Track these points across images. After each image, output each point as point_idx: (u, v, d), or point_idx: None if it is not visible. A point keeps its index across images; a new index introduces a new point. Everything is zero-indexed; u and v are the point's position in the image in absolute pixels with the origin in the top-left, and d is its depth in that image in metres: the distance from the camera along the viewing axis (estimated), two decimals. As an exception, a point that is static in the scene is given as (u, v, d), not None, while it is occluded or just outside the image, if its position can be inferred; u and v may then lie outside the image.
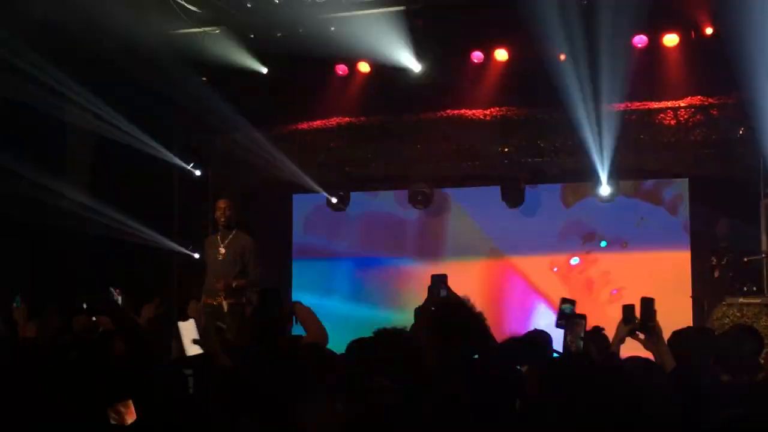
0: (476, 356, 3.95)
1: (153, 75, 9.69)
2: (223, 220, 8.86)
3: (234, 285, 8.65)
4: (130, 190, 10.26)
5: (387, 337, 3.89)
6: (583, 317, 4.98)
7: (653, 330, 4.52)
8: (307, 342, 4.87)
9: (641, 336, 4.64)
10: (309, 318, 5.21)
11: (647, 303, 4.64)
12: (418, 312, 5.56)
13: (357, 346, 4.79)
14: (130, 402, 3.70)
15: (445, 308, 4.20)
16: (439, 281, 5.80)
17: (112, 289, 5.94)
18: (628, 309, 4.73)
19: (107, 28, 9.30)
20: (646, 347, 4.72)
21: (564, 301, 5.22)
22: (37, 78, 9.27)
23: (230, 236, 8.83)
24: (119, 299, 5.85)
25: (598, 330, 5.00)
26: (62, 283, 9.34)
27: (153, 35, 9.62)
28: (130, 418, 3.69)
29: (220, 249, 8.82)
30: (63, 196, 9.92)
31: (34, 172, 9.18)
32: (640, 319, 4.61)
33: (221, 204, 8.96)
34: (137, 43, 9.53)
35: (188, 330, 5.64)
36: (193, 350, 5.59)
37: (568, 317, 5.17)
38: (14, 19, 9.12)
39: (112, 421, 3.68)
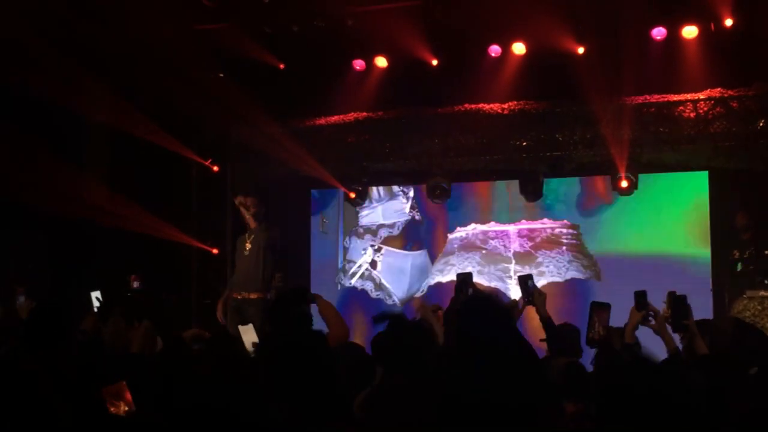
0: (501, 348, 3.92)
1: (171, 70, 9.70)
2: (248, 216, 8.91)
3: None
4: (149, 185, 10.30)
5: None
6: (608, 306, 5.01)
7: (689, 328, 4.56)
8: (331, 337, 4.87)
9: (653, 323, 4.67)
10: (330, 312, 5.23)
11: (680, 300, 4.66)
12: (447, 316, 5.56)
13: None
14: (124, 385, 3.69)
15: (469, 304, 4.17)
16: (464, 280, 5.81)
17: (129, 278, 6.01)
18: (639, 295, 4.75)
19: (125, 23, 9.33)
20: (657, 332, 4.74)
21: (522, 278, 5.30)
22: (55, 72, 9.31)
23: (255, 232, 8.88)
24: (136, 285, 5.91)
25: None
26: (79, 277, 9.39)
27: (171, 30, 9.63)
28: (125, 403, 3.67)
29: (246, 245, 8.88)
30: (82, 190, 9.96)
31: (52, 166, 9.23)
32: (673, 317, 4.64)
33: (247, 201, 9.00)
34: (155, 38, 9.55)
35: (248, 334, 5.75)
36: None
37: (530, 293, 5.25)
38: (34, 14, 9.17)
39: (112, 410, 3.67)
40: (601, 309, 4.97)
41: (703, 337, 4.75)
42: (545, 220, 11.22)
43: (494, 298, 3.90)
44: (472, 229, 11.55)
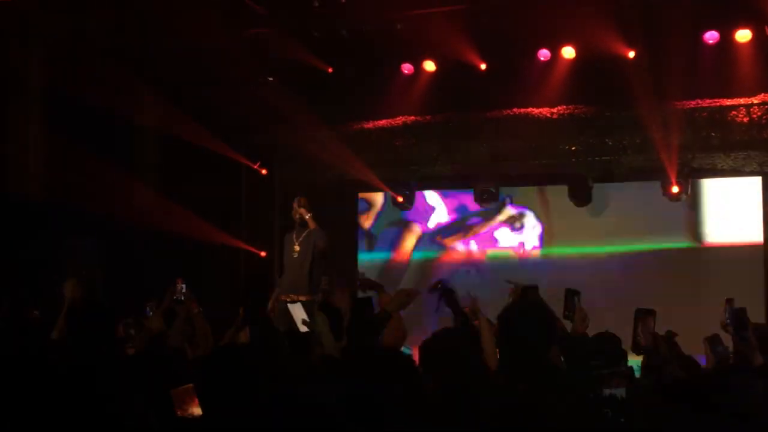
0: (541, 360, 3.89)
1: (221, 75, 9.77)
2: (297, 217, 8.91)
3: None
4: (199, 189, 10.38)
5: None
6: (652, 312, 4.99)
7: (749, 340, 4.59)
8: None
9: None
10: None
11: (740, 313, 4.70)
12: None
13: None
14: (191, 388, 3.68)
15: (511, 312, 4.14)
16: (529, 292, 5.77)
17: (177, 282, 6.04)
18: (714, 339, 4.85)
19: (175, 29, 9.42)
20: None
21: (570, 292, 5.28)
22: (106, 79, 9.43)
23: (304, 234, 8.87)
24: (183, 288, 5.93)
25: (671, 333, 5.02)
26: (132, 280, 9.52)
27: (220, 35, 9.71)
28: (195, 406, 3.65)
29: (295, 247, 8.87)
30: (131, 195, 10.09)
31: (103, 171, 9.36)
32: (735, 329, 4.69)
33: (301, 201, 9.01)
34: (205, 44, 9.64)
35: (298, 311, 6.01)
36: (303, 329, 5.93)
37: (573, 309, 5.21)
38: (85, 21, 9.31)
39: (179, 413, 3.66)
40: (645, 315, 4.97)
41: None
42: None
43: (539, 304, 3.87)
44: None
